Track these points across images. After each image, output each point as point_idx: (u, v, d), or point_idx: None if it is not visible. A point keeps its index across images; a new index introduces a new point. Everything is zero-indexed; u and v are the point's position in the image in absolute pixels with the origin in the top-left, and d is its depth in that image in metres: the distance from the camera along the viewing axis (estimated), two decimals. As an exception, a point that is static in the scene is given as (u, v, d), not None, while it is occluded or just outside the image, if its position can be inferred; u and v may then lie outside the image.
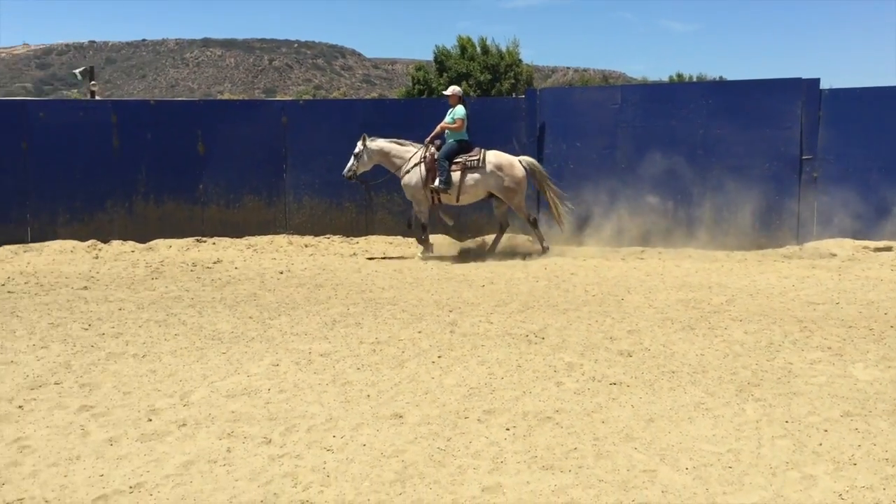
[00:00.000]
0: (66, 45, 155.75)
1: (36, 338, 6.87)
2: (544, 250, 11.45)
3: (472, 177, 11.21)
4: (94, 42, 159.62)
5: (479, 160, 11.21)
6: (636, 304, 8.02)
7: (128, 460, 4.27)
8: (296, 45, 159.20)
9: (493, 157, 11.34)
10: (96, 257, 11.55)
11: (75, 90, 68.51)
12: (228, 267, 10.72)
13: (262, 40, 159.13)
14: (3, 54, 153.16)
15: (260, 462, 4.23)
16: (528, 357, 6.11)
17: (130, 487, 3.94)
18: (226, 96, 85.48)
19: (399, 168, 11.47)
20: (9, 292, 8.94)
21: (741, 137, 11.81)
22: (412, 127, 12.93)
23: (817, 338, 6.60)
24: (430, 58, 38.97)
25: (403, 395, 5.29)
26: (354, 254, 11.88)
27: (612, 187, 12.24)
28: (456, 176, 11.18)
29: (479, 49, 37.21)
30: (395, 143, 11.55)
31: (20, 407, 5.13)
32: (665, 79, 47.92)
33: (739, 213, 11.85)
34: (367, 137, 11.45)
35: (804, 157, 11.61)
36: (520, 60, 37.53)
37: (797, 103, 11.62)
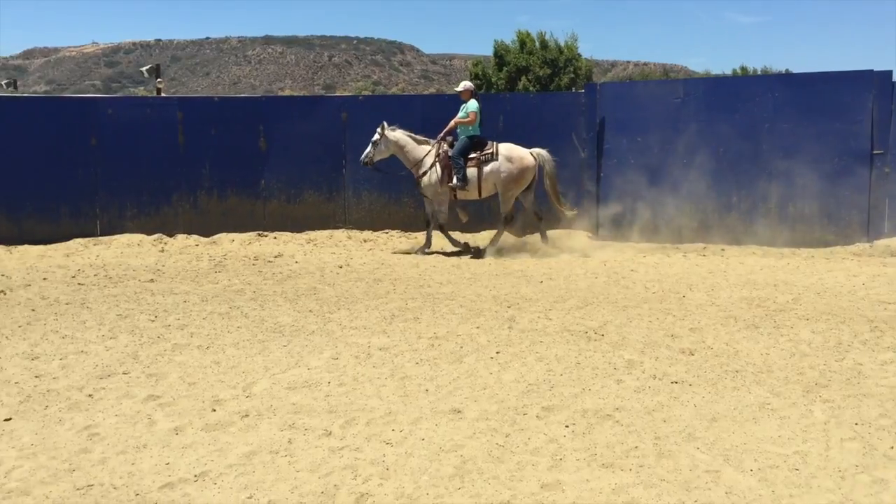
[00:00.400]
0: (134, 44, 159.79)
1: (105, 328, 7.07)
2: (486, 250, 11.33)
3: (487, 170, 11.26)
4: (160, 40, 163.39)
5: (492, 153, 11.28)
6: (698, 302, 7.88)
7: (192, 449, 4.36)
8: (355, 41, 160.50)
9: (505, 149, 11.37)
10: (162, 251, 11.83)
11: (142, 87, 70.28)
12: (289, 261, 10.87)
13: (322, 37, 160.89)
14: (74, 53, 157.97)
15: (320, 454, 4.28)
16: (588, 354, 6.05)
17: (195, 476, 4.03)
18: (286, 93, 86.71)
19: (413, 165, 11.57)
20: (79, 284, 9.21)
21: (809, 131, 11.49)
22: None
23: (888, 338, 6.39)
24: (489, 52, 38.86)
25: (462, 390, 5.29)
26: (408, 252, 11.92)
27: (674, 182, 12.04)
28: (473, 172, 11.23)
29: (538, 43, 36.95)
30: (412, 138, 11.61)
31: (90, 396, 5.29)
32: (728, 72, 46.93)
33: (807, 210, 11.54)
34: (386, 126, 11.51)
35: (875, 152, 11.24)
36: (579, 55, 37.16)
37: (868, 96, 11.26)
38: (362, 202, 13.14)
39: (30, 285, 9.08)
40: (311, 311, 7.74)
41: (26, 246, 11.85)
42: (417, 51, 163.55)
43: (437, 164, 11.34)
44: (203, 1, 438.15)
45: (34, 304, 8.13)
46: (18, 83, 43.85)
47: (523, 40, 37.12)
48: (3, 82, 27.51)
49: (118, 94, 54.72)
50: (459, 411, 4.87)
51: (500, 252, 11.31)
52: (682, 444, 4.31)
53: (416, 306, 7.86)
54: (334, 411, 4.92)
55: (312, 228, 13.02)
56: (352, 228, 13.07)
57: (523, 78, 35.37)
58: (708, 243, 11.69)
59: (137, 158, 12.79)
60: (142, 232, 12.63)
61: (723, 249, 11.33)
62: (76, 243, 12.10)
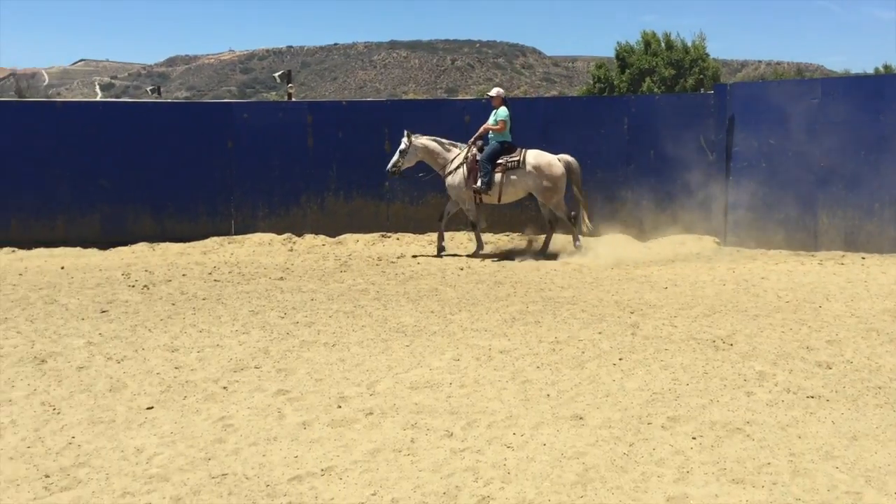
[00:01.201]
0: (267, 51, 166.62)
1: (238, 324, 7.39)
2: (576, 248, 11.39)
3: (511, 177, 11.35)
4: (291, 47, 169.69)
5: (519, 160, 11.35)
6: (836, 313, 7.48)
7: (319, 444, 4.50)
8: (477, 44, 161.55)
9: (533, 157, 11.40)
10: (291, 250, 12.27)
11: (274, 92, 73.08)
12: (411, 262, 11.05)
13: (446, 41, 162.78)
14: (212, 60, 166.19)
15: (442, 454, 4.32)
16: (716, 364, 5.85)
17: (322, 470, 4.14)
18: (410, 96, 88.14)
19: (442, 167, 11.71)
20: (215, 280, 9.67)
21: (962, 133, 10.70)
22: (593, 124, 12.79)
23: None
24: (612, 54, 38.25)
25: (584, 396, 5.22)
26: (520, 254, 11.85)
27: (810, 187, 11.49)
28: (497, 177, 11.34)
29: (663, 44, 36.09)
30: (439, 142, 11.78)
31: (224, 388, 5.54)
32: (870, 71, 44.32)
33: (959, 217, 10.75)
34: (410, 134, 11.64)
35: None
36: (706, 55, 36.03)
37: None
38: (484, 204, 13.17)
39: (170, 281, 9.60)
40: (432, 311, 7.83)
41: (167, 243, 12.55)
42: (539, 53, 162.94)
43: (464, 166, 11.51)
44: (332, 9, 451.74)
45: (174, 298, 8.59)
46: (162, 89, 46.50)
47: (648, 41, 36.35)
48: (148, 88, 29.26)
49: (252, 100, 57.11)
50: (581, 418, 4.81)
51: (579, 250, 11.29)
52: (819, 463, 4.09)
53: (536, 310, 7.82)
54: (456, 412, 4.95)
55: (435, 230, 13.17)
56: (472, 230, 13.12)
57: (647, 80, 34.62)
58: (846, 251, 11.08)
59: (269, 161, 13.30)
60: (272, 231, 13.12)
61: (863, 258, 10.71)
62: (212, 241, 12.71)
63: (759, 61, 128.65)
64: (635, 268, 10.34)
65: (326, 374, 5.80)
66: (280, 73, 27.57)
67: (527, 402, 5.12)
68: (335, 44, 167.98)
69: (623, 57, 36.49)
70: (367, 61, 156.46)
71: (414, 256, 11.52)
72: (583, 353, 6.23)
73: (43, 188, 12.64)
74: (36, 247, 12.14)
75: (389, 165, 11.71)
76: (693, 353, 6.13)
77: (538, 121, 12.91)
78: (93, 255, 11.83)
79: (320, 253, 11.95)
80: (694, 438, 4.44)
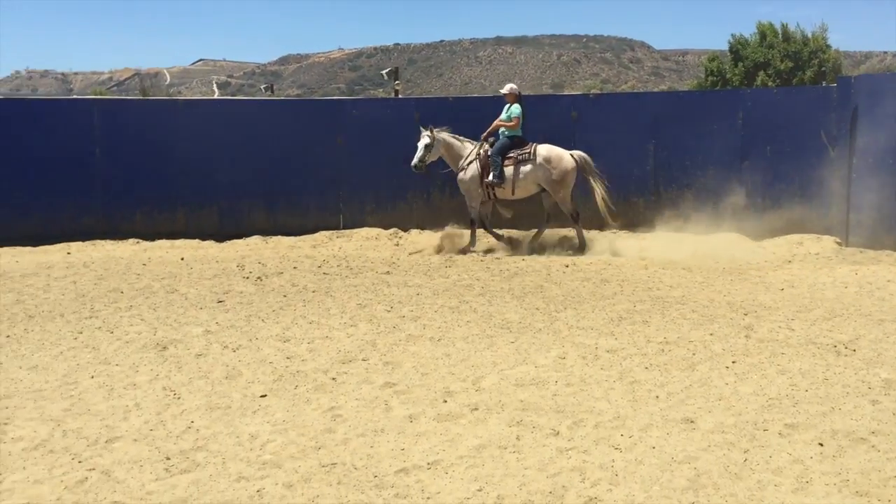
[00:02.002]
0: (375, 49, 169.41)
1: (346, 317, 7.54)
2: (581, 247, 11.47)
3: (523, 170, 11.41)
4: (398, 44, 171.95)
5: (530, 153, 11.42)
6: (971, 320, 7.00)
7: (425, 438, 4.54)
8: (584, 39, 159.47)
9: (544, 150, 11.45)
10: (397, 244, 12.42)
11: (381, 89, 74.22)
12: (516, 258, 11.00)
13: (552, 36, 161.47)
14: (322, 59, 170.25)
15: (548, 453, 4.28)
16: (837, 370, 5.58)
17: (428, 464, 4.18)
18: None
19: (457, 163, 11.78)
20: (324, 273, 9.91)
21: None
22: (706, 119, 12.42)
23: None
24: (725, 47, 37.00)
25: (694, 399, 5.07)
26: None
27: (942, 185, 10.79)
28: (509, 170, 11.42)
29: (780, 35, 34.62)
30: (456, 137, 11.82)
31: (333, 379, 5.66)
32: None
33: None
34: (432, 128, 11.63)
35: None
36: (827, 46, 34.33)
37: None
38: (589, 200, 12.97)
39: (282, 273, 9.89)
40: (537, 308, 7.77)
41: (279, 237, 12.92)
42: (648, 47, 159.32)
43: (477, 161, 11.57)
44: (438, 6, 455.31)
45: (286, 290, 8.85)
46: (274, 87, 47.98)
47: (764, 32, 34.93)
48: (262, 87, 30.23)
49: (360, 97, 58.18)
50: (692, 421, 4.67)
51: (584, 249, 11.37)
52: (952, 479, 3.85)
53: (644, 309, 7.65)
54: (562, 411, 4.90)
55: (536, 226, 13.07)
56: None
57: (761, 73, 33.31)
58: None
59: (377, 156, 13.47)
60: (379, 226, 13.31)
61: None
62: (322, 235, 13.01)
63: (885, 52, 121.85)
64: (749, 268, 9.98)
65: (432, 369, 5.84)
66: (387, 70, 27.99)
67: (635, 404, 5.02)
68: (441, 41, 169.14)
69: (737, 49, 35.19)
70: (472, 58, 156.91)
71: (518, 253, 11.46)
72: (693, 354, 6.06)
73: (165, 182, 13.23)
74: (158, 238, 12.71)
75: (415, 160, 11.63)
76: (812, 359, 5.87)
77: (647, 116, 12.63)
78: (210, 247, 12.30)
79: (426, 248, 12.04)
80: (814, 447, 4.24)
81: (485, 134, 11.74)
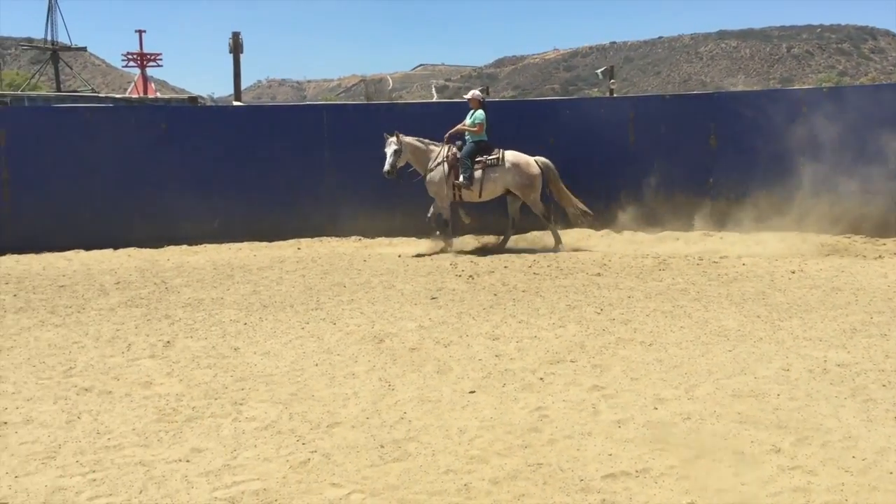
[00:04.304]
0: (590, 48, 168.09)
1: (555, 317, 7.52)
2: (556, 248, 11.76)
3: (492, 174, 11.80)
4: (614, 43, 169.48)
5: (498, 159, 11.82)
6: None
7: (634, 444, 4.41)
8: (818, 29, 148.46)
9: (512, 156, 11.89)
10: (609, 246, 12.19)
11: (595, 89, 73.37)
12: (735, 262, 10.43)
13: (781, 28, 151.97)
14: (537, 60, 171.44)
15: (768, 470, 4.02)
16: None
17: (637, 472, 4.06)
18: (739, 88, 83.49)
19: (425, 166, 11.97)
20: (534, 273, 9.94)
21: None
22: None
23: None
24: None
25: (942, 423, 4.55)
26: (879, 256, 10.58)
27: None
28: (478, 173, 11.75)
29: None
30: (421, 141, 12.01)
31: (541, 379, 5.66)
32: None
33: None
34: (398, 134, 11.73)
35: None
36: None
37: None
38: (821, 202, 12.03)
39: (493, 272, 10.05)
40: (758, 316, 7.33)
41: (491, 236, 13.05)
42: (893, 35, 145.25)
43: (445, 163, 11.80)
44: (657, 1, 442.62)
45: (496, 289, 8.97)
46: (490, 89, 48.88)
47: None
48: (478, 89, 30.96)
49: (573, 97, 57.89)
50: (939, 448, 4.19)
51: (560, 249, 11.59)
52: None
53: (882, 321, 6.98)
54: (784, 427, 4.58)
55: (761, 229, 12.32)
56: (808, 231, 12.06)
57: None
58: None
59: (590, 157, 13.26)
60: (590, 227, 13.11)
61: None
62: (532, 235, 13.03)
63: None
64: None
65: (642, 374, 5.68)
66: (602, 69, 27.65)
67: (869, 424, 4.58)
68: (659, 37, 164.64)
69: None
70: (692, 53, 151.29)
71: (738, 257, 10.85)
72: (942, 373, 5.44)
73: (384, 184, 13.83)
74: (378, 236, 13.34)
75: (386, 166, 11.65)
76: None
77: (887, 112, 11.50)
78: (424, 245, 12.73)
79: (638, 250, 11.73)
80: None
81: (447, 135, 12.00)
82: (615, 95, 22.67)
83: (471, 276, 9.81)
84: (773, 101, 12.93)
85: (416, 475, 4.13)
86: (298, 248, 12.57)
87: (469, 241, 12.44)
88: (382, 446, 4.51)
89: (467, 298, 8.48)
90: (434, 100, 50.73)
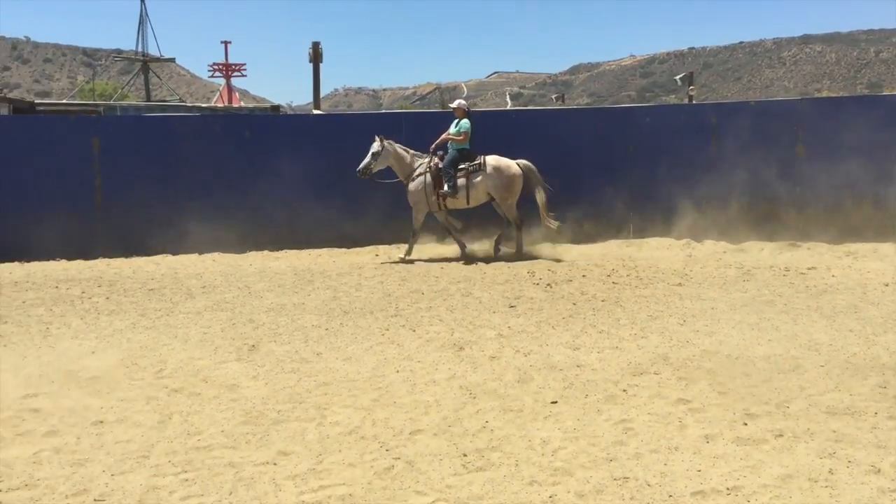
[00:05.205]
0: (668, 54, 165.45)
1: (636, 328, 7.39)
2: (518, 253, 11.96)
3: (475, 180, 11.91)
4: (692, 48, 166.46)
5: (480, 164, 11.92)
6: None
7: (724, 461, 4.29)
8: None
9: (493, 160, 12.00)
10: (689, 255, 11.93)
11: (673, 95, 72.16)
12: (825, 274, 10.08)
13: (869, 31, 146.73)
14: (612, 66, 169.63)
15: (867, 492, 3.86)
16: None
17: (728, 489, 3.95)
18: (824, 94, 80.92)
19: (406, 175, 12.14)
20: (613, 283, 9.80)
21: None
22: None
23: None
24: None
25: None
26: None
27: None
28: (462, 181, 11.89)
29: None
30: (406, 150, 12.20)
31: (624, 391, 5.57)
32: None
33: None
34: (384, 139, 11.91)
35: None
36: None
37: None
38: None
39: (571, 281, 9.95)
40: (851, 330, 7.06)
41: (569, 245, 12.85)
42: None
43: (428, 173, 11.94)
44: (737, 5, 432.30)
45: (575, 298, 8.88)
46: (565, 96, 48.61)
47: None
48: (552, 96, 30.81)
49: (651, 104, 57.10)
50: None
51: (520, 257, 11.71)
52: None
53: None
54: (884, 446, 4.39)
55: (853, 240, 11.89)
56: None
57: None
58: None
59: (670, 164, 13.04)
60: (670, 236, 12.88)
61: None
62: (611, 244, 12.87)
63: None
64: None
65: (730, 388, 5.53)
66: (681, 75, 27.17)
67: (976, 446, 4.35)
68: (740, 42, 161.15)
69: None
70: (775, 58, 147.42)
71: (828, 268, 10.49)
72: None
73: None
74: (452, 244, 13.33)
75: (361, 166, 11.86)
76: None
77: None
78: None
79: (721, 260, 11.45)
80: None
81: (433, 146, 12.11)
82: (694, 102, 22.19)
83: (549, 284, 9.73)
84: (865, 107, 12.48)
85: (500, 485, 4.11)
86: (376, 255, 12.68)
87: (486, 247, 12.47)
88: (465, 455, 4.50)
89: (546, 307, 8.41)
90: (509, 107, 50.66)
